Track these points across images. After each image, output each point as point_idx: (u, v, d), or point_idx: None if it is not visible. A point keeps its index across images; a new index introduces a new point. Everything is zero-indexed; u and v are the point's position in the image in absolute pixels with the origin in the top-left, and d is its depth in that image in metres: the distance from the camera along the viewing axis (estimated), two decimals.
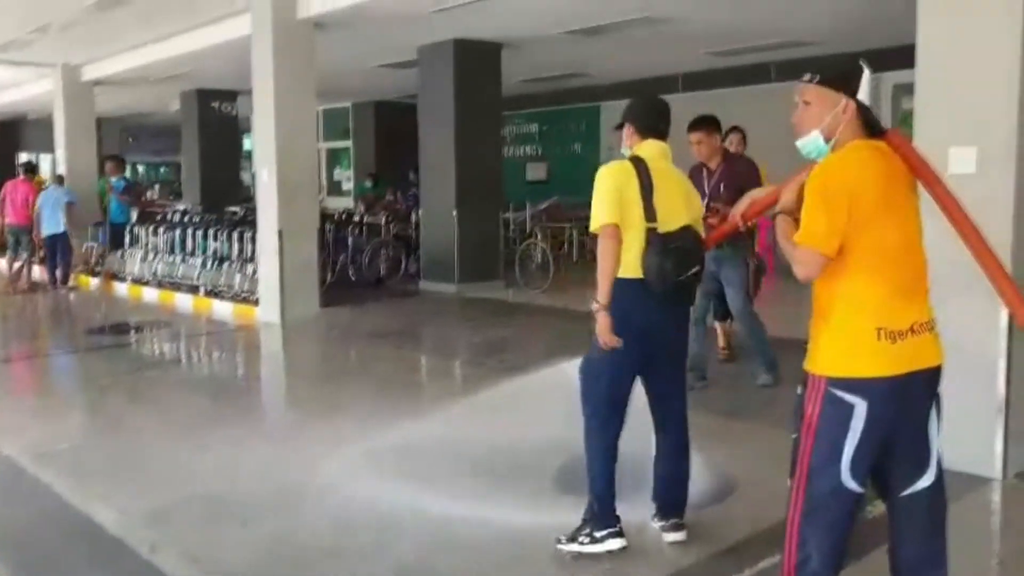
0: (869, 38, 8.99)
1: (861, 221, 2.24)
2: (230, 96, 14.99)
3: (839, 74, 2.36)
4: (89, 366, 7.69)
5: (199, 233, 11.26)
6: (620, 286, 3.14)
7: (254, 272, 9.71)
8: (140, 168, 21.74)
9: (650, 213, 3.18)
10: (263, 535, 3.62)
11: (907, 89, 6.99)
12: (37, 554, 3.55)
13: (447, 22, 9.55)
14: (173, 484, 4.22)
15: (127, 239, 12.40)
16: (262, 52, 9.10)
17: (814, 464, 2.33)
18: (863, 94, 2.34)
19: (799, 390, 2.38)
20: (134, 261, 11.97)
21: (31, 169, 13.21)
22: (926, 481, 2.38)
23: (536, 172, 16.45)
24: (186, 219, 12.00)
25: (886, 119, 8.66)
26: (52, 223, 12.24)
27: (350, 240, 11.36)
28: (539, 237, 11.45)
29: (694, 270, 3.21)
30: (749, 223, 2.83)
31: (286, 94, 9.02)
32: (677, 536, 3.37)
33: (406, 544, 3.47)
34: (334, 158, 19.12)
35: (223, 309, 9.91)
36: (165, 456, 4.66)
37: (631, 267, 3.16)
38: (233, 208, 12.96)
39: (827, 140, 2.36)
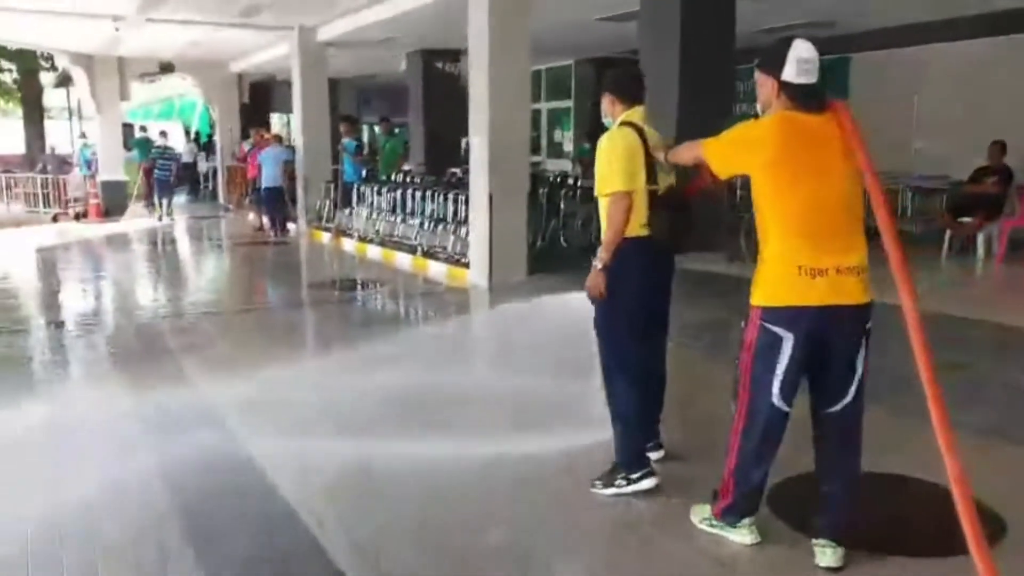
0: None
1: (770, 177, 2.80)
2: (454, 55, 14.97)
3: (767, 58, 2.88)
4: (320, 319, 8.29)
5: (418, 194, 11.35)
6: (626, 245, 3.43)
7: (466, 234, 9.62)
8: (376, 128, 22.57)
9: (652, 176, 3.47)
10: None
11: None
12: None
13: None
14: None
15: (355, 197, 12.86)
16: (477, 7, 8.78)
17: (753, 386, 2.87)
18: (789, 73, 2.79)
19: (743, 324, 2.89)
20: (360, 219, 12.37)
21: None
22: (845, 401, 2.88)
23: None
24: (408, 180, 12.20)
25: None
26: (270, 177, 13.54)
27: (562, 204, 10.94)
28: None
29: (688, 227, 3.55)
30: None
31: (500, 52, 8.66)
32: (655, 455, 3.75)
33: None
34: (555, 118, 18.74)
35: (438, 269, 9.95)
36: None
37: (635, 227, 3.44)
38: (454, 169, 13.03)
39: (762, 111, 2.93)
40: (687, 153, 3.33)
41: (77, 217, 17.02)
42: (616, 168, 3.43)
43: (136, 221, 16.46)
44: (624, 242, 3.43)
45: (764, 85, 2.90)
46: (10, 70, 23.61)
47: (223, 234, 15.39)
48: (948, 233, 10.41)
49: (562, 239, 10.84)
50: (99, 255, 12.75)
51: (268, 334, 7.32)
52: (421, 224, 10.96)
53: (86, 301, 9.21)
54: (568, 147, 18.05)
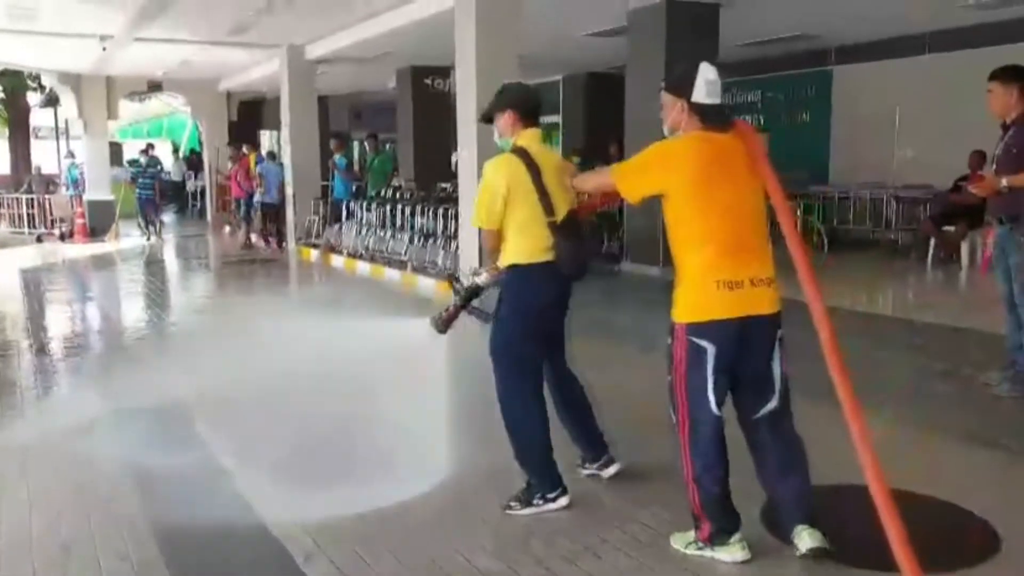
0: None
1: (689, 195, 2.91)
2: (443, 72, 15.05)
3: (675, 81, 3.02)
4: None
5: (407, 210, 11.38)
6: (523, 271, 3.40)
7: (456, 249, 9.62)
8: (365, 145, 22.64)
9: (548, 208, 3.37)
10: None
11: None
12: None
13: None
14: None
15: (343, 214, 12.90)
16: (464, 23, 8.86)
17: (691, 397, 2.94)
18: (699, 94, 2.93)
19: (668, 340, 2.99)
20: (349, 235, 12.39)
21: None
22: (771, 406, 3.00)
23: None
24: (397, 195, 12.24)
25: None
26: (271, 192, 14.00)
27: None
28: None
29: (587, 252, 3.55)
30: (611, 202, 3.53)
31: (488, 68, 8.71)
32: (613, 469, 3.70)
33: None
34: (543, 133, 18.83)
35: (427, 285, 9.90)
36: None
37: (536, 253, 3.38)
38: (444, 184, 13.07)
39: (671, 132, 3.04)
40: (593, 181, 3.49)
41: (63, 237, 16.93)
42: (483, 202, 3.40)
43: (123, 241, 16.40)
44: (525, 268, 3.40)
45: (673, 107, 3.00)
46: None
47: (211, 252, 15.38)
48: (932, 242, 10.52)
49: None
50: (83, 276, 12.64)
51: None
52: (411, 239, 10.97)
53: (68, 323, 9.11)
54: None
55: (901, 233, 11.67)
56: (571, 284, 3.58)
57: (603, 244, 11.30)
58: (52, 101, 21.64)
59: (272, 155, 15.62)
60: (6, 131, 25.21)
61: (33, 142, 25.49)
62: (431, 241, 10.54)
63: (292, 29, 12.79)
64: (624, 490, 3.68)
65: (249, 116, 21.89)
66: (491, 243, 3.46)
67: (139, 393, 5.43)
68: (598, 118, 15.83)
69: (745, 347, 2.91)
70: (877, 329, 7.31)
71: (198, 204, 22.13)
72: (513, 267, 3.43)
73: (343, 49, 13.09)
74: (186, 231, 18.51)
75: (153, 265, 13.73)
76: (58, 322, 9.08)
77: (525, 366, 3.48)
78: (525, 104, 3.52)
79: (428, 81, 15.47)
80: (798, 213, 11.31)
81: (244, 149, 15.44)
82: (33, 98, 23.98)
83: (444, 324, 3.56)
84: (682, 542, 3.17)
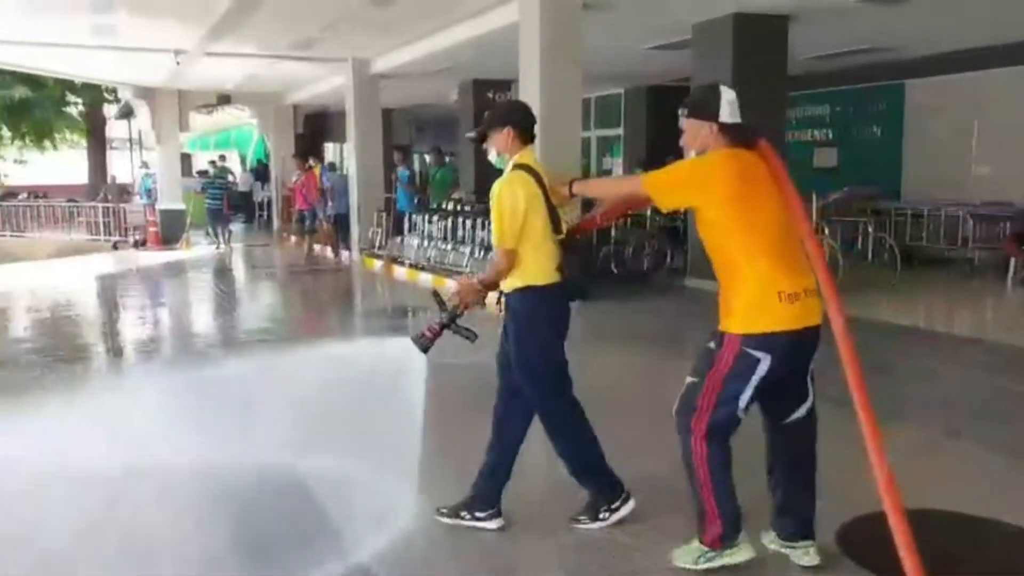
0: None
1: (730, 209, 2.94)
2: (504, 85, 15.10)
3: (700, 106, 3.08)
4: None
5: (468, 222, 11.42)
6: (541, 292, 3.35)
7: None
8: (427, 157, 22.87)
9: (556, 226, 3.38)
10: None
11: None
12: None
13: None
14: None
15: (406, 225, 13.03)
16: (529, 38, 8.86)
17: (720, 402, 2.95)
18: (725, 115, 3.00)
19: (711, 345, 3.01)
20: (412, 247, 12.50)
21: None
22: (802, 411, 3.10)
23: (825, 158, 14.84)
24: (458, 208, 12.30)
25: None
26: (341, 203, 14.32)
27: (612, 232, 10.91)
28: (826, 232, 10.22)
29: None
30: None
31: (551, 82, 8.71)
32: (628, 506, 3.51)
33: None
34: (605, 146, 18.74)
35: (489, 296, 9.90)
36: None
37: (545, 275, 3.35)
38: None
39: (699, 154, 3.08)
40: (604, 189, 3.58)
41: (136, 245, 17.46)
42: (504, 221, 3.30)
43: (194, 249, 16.84)
44: (536, 290, 3.33)
45: (700, 130, 3.05)
46: (76, 103, 24.46)
47: (277, 262, 15.67)
48: (1012, 261, 10.13)
49: (613, 266, 10.77)
50: (157, 282, 13.05)
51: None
52: (472, 252, 11.01)
53: (143, 327, 9.40)
54: (618, 174, 18.02)
55: (978, 251, 11.25)
56: (569, 310, 3.51)
57: (668, 259, 11.17)
58: (127, 113, 22.38)
59: (333, 166, 15.87)
60: (84, 142, 26.21)
61: (107, 153, 26.43)
62: (491, 253, 10.53)
63: (358, 44, 12.99)
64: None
65: (314, 129, 22.28)
66: (509, 263, 3.34)
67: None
68: (659, 131, 15.69)
69: (795, 358, 2.96)
70: (954, 350, 7.06)
71: (264, 214, 22.58)
72: (530, 287, 3.34)
73: (407, 63, 13.23)
74: (253, 240, 18.89)
75: (223, 273, 14.13)
76: (141, 326, 9.37)
77: (558, 380, 3.46)
78: (524, 121, 3.45)
79: (490, 94, 15.53)
80: (869, 229, 11.04)
81: (311, 162, 15.71)
82: (109, 110, 24.89)
83: (427, 343, 3.40)
84: (689, 558, 3.09)
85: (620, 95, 17.52)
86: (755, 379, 2.91)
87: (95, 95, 23.29)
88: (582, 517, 3.49)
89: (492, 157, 3.50)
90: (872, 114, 14.06)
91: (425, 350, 3.40)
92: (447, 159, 16.34)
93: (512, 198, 3.30)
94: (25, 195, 22.63)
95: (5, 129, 23.12)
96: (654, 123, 16.26)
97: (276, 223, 20.59)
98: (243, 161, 27.01)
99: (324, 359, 4.43)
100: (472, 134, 3.67)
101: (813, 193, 11.53)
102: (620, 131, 17.71)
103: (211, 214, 17.07)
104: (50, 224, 19.59)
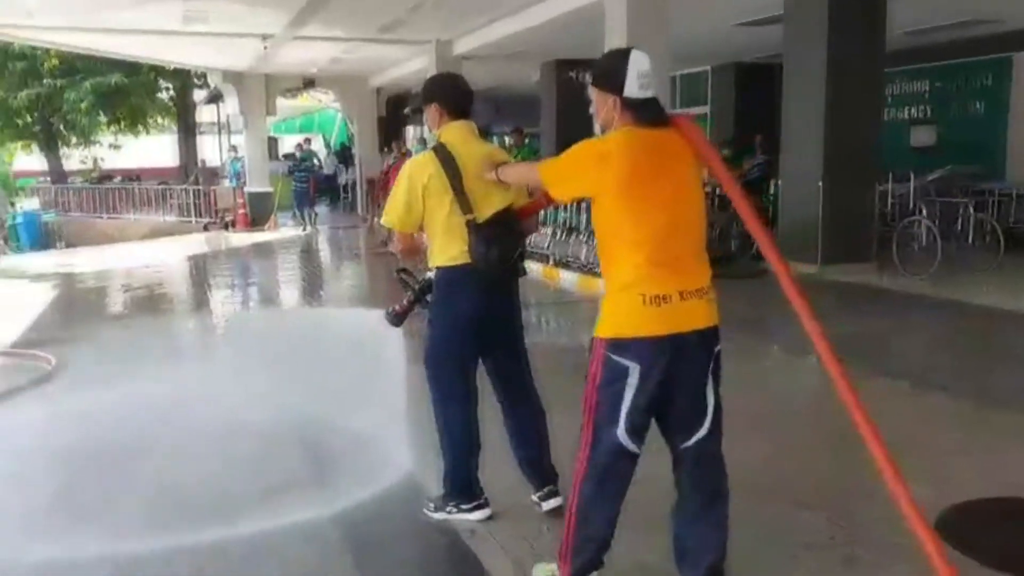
0: None
1: (618, 196, 2.58)
2: (587, 65, 14.92)
3: (603, 75, 2.69)
4: None
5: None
6: (446, 274, 3.26)
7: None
8: (507, 139, 22.85)
9: (465, 206, 3.18)
10: None
11: None
12: None
13: None
14: None
15: None
16: (615, 14, 8.72)
17: (597, 421, 2.63)
18: (631, 89, 2.60)
19: (588, 355, 2.68)
20: None
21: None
22: (701, 432, 2.64)
23: (923, 137, 14.20)
24: None
25: None
26: None
27: None
28: (924, 213, 9.80)
29: (517, 254, 3.26)
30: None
31: None
32: (553, 503, 3.40)
33: None
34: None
35: (569, 279, 9.90)
36: None
37: (454, 255, 3.22)
38: None
39: (603, 130, 2.72)
40: (516, 174, 3.20)
41: (226, 226, 17.97)
42: (394, 203, 3.26)
43: (281, 231, 17.23)
44: (448, 271, 3.25)
45: (604, 103, 2.67)
46: (167, 88, 25.23)
47: (361, 244, 15.92)
48: None
49: None
50: (247, 261, 13.44)
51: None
52: (553, 234, 10.94)
53: (234, 300, 9.72)
54: None
55: None
56: (513, 295, 3.40)
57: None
58: (215, 98, 22.99)
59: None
60: (174, 127, 27.06)
61: (197, 137, 27.23)
62: (573, 235, 10.46)
63: (442, 25, 13.01)
64: None
65: (397, 111, 22.46)
66: (403, 244, 3.36)
67: None
68: (747, 109, 15.30)
69: (672, 368, 2.57)
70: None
71: (349, 197, 22.92)
72: (438, 269, 3.30)
73: (489, 44, 13.19)
74: (337, 223, 19.22)
75: (309, 253, 14.48)
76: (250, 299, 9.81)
77: (453, 372, 3.35)
78: (448, 96, 3.36)
79: (572, 74, 15.39)
80: (970, 210, 10.53)
81: (408, 145, 15.83)
82: (197, 95, 25.62)
83: (397, 318, 3.50)
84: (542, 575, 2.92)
85: (706, 72, 17.14)
86: (630, 393, 2.56)
87: (184, 81, 23.99)
88: (431, 504, 3.52)
89: (425, 134, 3.51)
90: (975, 90, 13.38)
91: (396, 324, 3.53)
92: (527, 140, 16.28)
93: (406, 182, 3.25)
94: (119, 178, 23.54)
95: (102, 115, 23.99)
96: (742, 101, 15.89)
97: (360, 206, 20.88)
98: (327, 144, 27.47)
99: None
100: (407, 109, 3.65)
101: (911, 173, 11.11)
102: (707, 109, 17.34)
103: (298, 196, 17.42)
104: (143, 206, 20.34)
